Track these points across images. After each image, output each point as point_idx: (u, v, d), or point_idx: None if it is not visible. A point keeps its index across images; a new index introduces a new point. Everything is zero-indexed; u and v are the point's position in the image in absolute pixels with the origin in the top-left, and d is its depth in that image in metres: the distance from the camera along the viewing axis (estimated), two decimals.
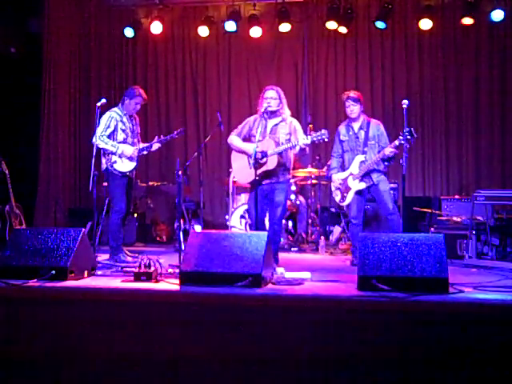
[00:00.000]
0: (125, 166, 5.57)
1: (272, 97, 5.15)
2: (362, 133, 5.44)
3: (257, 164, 4.91)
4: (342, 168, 5.59)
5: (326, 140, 4.93)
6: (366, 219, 5.83)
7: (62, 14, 8.69)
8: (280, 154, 5.08)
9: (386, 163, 5.38)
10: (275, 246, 5.15)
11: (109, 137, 5.54)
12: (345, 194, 5.50)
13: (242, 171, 5.25)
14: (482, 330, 3.19)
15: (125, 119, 5.63)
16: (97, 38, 9.18)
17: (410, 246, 3.66)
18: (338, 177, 5.57)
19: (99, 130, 5.44)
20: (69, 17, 8.82)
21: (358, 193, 5.44)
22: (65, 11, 8.74)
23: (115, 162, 5.53)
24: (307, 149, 5.09)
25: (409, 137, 4.92)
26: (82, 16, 9.02)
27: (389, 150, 5.22)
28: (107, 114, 5.57)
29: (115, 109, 5.65)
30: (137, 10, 8.94)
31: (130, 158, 5.56)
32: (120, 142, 5.55)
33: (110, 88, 9.16)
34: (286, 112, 5.25)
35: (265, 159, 4.99)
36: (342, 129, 5.61)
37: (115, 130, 5.56)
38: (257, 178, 4.90)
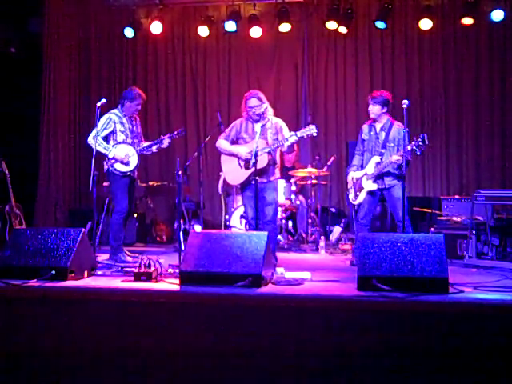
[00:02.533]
0: (125, 165, 5.56)
1: (255, 105, 5.23)
2: (383, 134, 5.38)
3: (249, 164, 4.97)
4: (362, 167, 5.53)
5: (314, 134, 4.98)
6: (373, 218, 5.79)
7: (62, 13, 8.70)
8: (269, 152, 5.18)
9: (399, 168, 5.29)
10: (273, 244, 5.20)
11: (107, 138, 5.55)
12: (357, 193, 5.49)
13: (232, 173, 5.36)
14: (482, 330, 3.19)
15: (124, 120, 5.63)
16: (97, 38, 9.17)
17: (410, 246, 3.66)
18: (353, 175, 5.56)
19: (94, 131, 5.42)
20: (69, 17, 8.82)
21: (370, 193, 5.41)
22: (65, 11, 8.74)
23: (116, 162, 5.53)
24: (295, 146, 5.23)
25: (421, 143, 4.86)
26: (81, 16, 9.01)
27: (395, 158, 5.15)
28: (106, 115, 5.57)
29: (114, 110, 5.65)
30: (137, 10, 8.93)
31: (122, 162, 5.53)
32: (120, 143, 5.55)
33: (110, 88, 9.16)
34: (270, 112, 5.33)
35: (256, 158, 5.02)
36: (365, 128, 5.57)
37: (114, 131, 5.57)
38: (250, 177, 4.97)
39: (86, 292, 3.69)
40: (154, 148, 5.78)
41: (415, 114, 8.42)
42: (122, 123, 5.61)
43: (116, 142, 5.56)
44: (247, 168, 5.18)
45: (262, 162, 5.12)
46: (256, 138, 4.99)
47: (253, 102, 5.23)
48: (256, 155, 4.90)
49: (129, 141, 5.62)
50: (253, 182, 5.00)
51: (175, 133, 5.79)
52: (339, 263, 5.72)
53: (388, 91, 5.62)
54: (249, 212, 5.29)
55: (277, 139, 5.20)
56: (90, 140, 5.44)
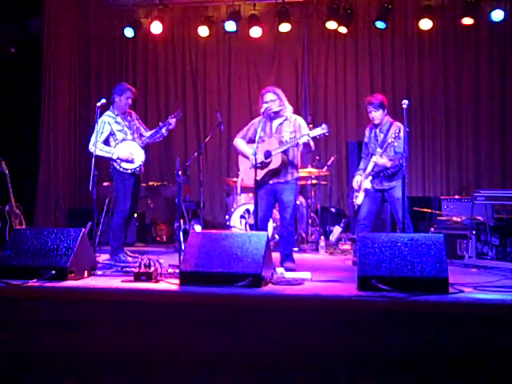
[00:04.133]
0: (131, 163, 5.57)
1: (271, 99, 5.09)
2: (382, 135, 5.40)
3: (262, 163, 4.92)
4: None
5: (326, 134, 4.88)
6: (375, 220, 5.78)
7: (62, 14, 8.70)
8: (285, 152, 5.04)
9: (391, 169, 5.31)
10: (290, 246, 5.18)
11: (107, 140, 5.57)
12: (356, 194, 5.51)
13: (248, 173, 5.21)
14: (482, 329, 3.19)
15: (119, 119, 5.63)
16: (97, 38, 9.17)
17: (410, 246, 3.66)
18: (357, 179, 5.55)
19: (92, 138, 5.46)
20: (69, 17, 8.82)
21: (369, 194, 5.41)
22: (65, 11, 8.74)
23: (122, 161, 5.55)
24: (312, 145, 5.06)
25: (397, 134, 4.95)
26: (81, 16, 9.02)
27: (381, 162, 5.23)
28: (100, 120, 5.53)
29: (107, 112, 5.65)
30: (137, 10, 8.94)
31: (127, 160, 5.55)
32: (120, 141, 5.56)
33: (110, 88, 9.05)
34: (289, 109, 5.20)
35: (269, 158, 4.99)
36: (366, 131, 5.60)
37: (112, 133, 5.58)
38: (266, 177, 4.95)
39: (86, 292, 3.69)
40: (164, 130, 5.71)
41: (415, 113, 8.42)
42: (117, 122, 5.62)
43: (116, 141, 5.57)
44: (261, 168, 5.01)
45: (276, 162, 5.00)
46: (256, 138, 4.94)
47: (269, 96, 5.10)
48: (267, 155, 4.87)
49: (129, 137, 5.62)
50: (270, 182, 5.01)
51: (177, 113, 5.76)
52: (339, 263, 5.72)
53: (386, 91, 5.63)
54: (259, 212, 5.19)
55: (294, 138, 5.01)
56: (91, 147, 5.46)
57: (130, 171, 5.58)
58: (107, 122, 5.57)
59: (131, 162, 5.56)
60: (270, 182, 5.05)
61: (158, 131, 5.72)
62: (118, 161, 5.52)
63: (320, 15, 8.57)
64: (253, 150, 4.89)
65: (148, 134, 5.78)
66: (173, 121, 5.69)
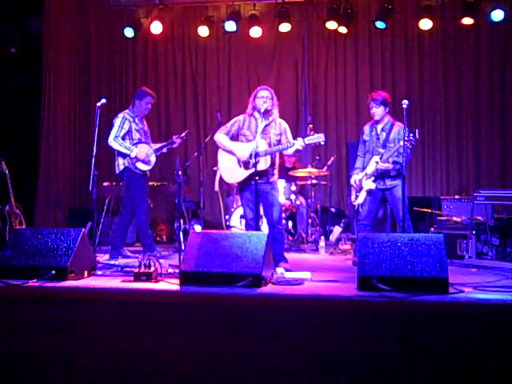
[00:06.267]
0: (146, 164, 5.70)
1: (268, 96, 5.15)
2: (384, 134, 5.39)
3: (249, 164, 4.94)
4: (365, 168, 5.52)
5: (322, 143, 4.96)
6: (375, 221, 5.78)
7: (62, 14, 8.69)
8: (271, 154, 5.11)
9: (396, 167, 5.31)
10: (282, 246, 5.18)
11: (124, 137, 5.66)
12: (357, 194, 5.51)
13: (230, 170, 5.23)
14: (481, 330, 3.19)
15: (137, 120, 5.77)
16: (97, 38, 9.18)
17: (410, 246, 3.66)
18: (355, 178, 5.55)
19: (113, 132, 5.58)
20: (69, 17, 8.82)
21: (370, 193, 5.41)
22: (65, 11, 8.74)
23: (138, 161, 5.63)
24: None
25: (412, 137, 4.86)
26: (81, 16, 9.02)
27: (384, 165, 5.23)
28: (120, 115, 5.71)
29: (126, 111, 5.79)
30: (137, 10, 8.94)
31: (143, 161, 5.62)
32: (138, 143, 5.68)
33: (109, 88, 9.17)
34: (276, 113, 5.27)
35: (257, 159, 4.97)
36: (366, 129, 5.59)
37: (130, 130, 5.69)
38: (250, 178, 4.95)
39: (86, 292, 3.69)
40: (165, 149, 5.97)
41: (415, 114, 8.42)
42: (135, 123, 5.76)
43: (133, 140, 5.68)
44: (247, 168, 5.10)
45: (265, 164, 5.04)
46: (257, 137, 4.94)
47: (265, 92, 5.16)
48: (256, 156, 4.87)
49: (143, 140, 5.76)
50: (252, 183, 4.93)
51: (183, 134, 6.03)
52: (339, 263, 5.72)
53: (386, 91, 5.65)
54: (248, 213, 5.18)
55: (279, 140, 5.13)
56: (111, 141, 5.58)
57: (142, 172, 5.69)
58: (127, 119, 5.68)
59: (147, 163, 5.70)
60: (253, 182, 4.98)
61: (161, 148, 5.92)
62: (134, 160, 5.61)
63: (320, 15, 8.57)
64: (252, 150, 4.88)
65: (155, 147, 5.91)
66: (177, 140, 5.94)
